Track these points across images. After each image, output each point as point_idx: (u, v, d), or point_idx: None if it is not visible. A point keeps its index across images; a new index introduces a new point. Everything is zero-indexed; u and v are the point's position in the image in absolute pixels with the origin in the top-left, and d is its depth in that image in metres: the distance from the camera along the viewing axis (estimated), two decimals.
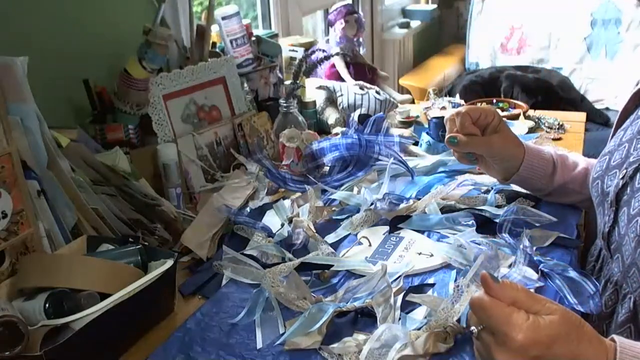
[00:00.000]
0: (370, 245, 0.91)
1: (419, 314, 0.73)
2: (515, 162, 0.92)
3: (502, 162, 0.92)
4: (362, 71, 1.97)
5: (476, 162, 0.94)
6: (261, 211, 1.05)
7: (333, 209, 1.03)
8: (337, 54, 1.79)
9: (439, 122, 1.32)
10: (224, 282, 0.86)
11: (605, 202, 0.80)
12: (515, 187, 1.03)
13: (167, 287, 0.79)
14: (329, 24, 2.07)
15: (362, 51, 2.08)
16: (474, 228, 0.90)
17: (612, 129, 0.90)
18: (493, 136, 0.90)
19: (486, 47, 3.31)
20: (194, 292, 0.86)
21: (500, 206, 0.97)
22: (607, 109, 2.89)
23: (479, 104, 1.63)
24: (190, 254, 0.94)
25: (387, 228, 0.95)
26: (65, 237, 0.85)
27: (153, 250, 0.83)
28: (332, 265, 0.85)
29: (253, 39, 1.42)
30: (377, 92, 1.54)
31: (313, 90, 1.53)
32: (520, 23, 3.23)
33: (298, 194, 1.08)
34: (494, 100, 1.66)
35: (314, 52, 1.46)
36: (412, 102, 1.97)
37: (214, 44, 1.38)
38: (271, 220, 1.02)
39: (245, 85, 1.33)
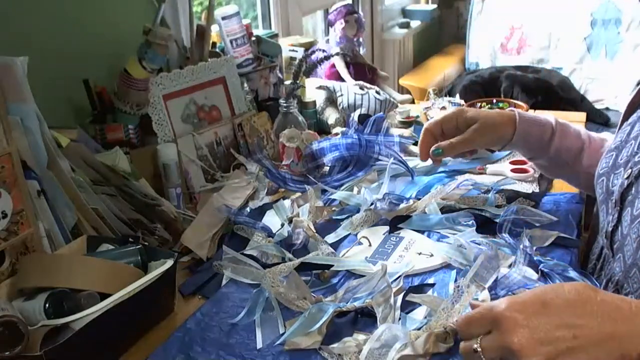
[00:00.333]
0: (370, 245, 0.91)
1: (419, 314, 0.73)
2: (507, 136, 0.93)
3: (495, 144, 0.94)
4: (362, 71, 1.97)
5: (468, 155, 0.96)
6: (261, 211, 1.05)
7: (333, 209, 1.03)
8: (337, 54, 1.79)
9: None
10: (224, 282, 0.86)
11: (610, 200, 0.80)
12: (515, 187, 1.03)
13: (167, 287, 0.79)
14: (329, 24, 2.07)
15: (362, 51, 2.07)
16: (474, 228, 0.90)
17: (619, 122, 0.89)
18: (470, 131, 0.91)
19: (486, 47, 3.31)
20: (194, 292, 0.86)
21: (500, 206, 0.97)
22: (607, 109, 2.89)
23: (478, 104, 1.64)
24: (190, 254, 0.94)
25: (387, 228, 0.95)
26: (65, 237, 0.85)
27: (153, 250, 0.83)
28: (332, 265, 0.85)
29: (253, 39, 1.42)
30: (377, 92, 1.54)
31: (313, 90, 1.53)
32: (520, 23, 3.23)
33: (298, 194, 1.08)
34: (494, 100, 1.65)
35: (314, 52, 1.45)
36: (412, 102, 1.97)
37: (214, 44, 1.38)
38: (271, 220, 1.02)
39: (245, 85, 1.33)
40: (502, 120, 0.92)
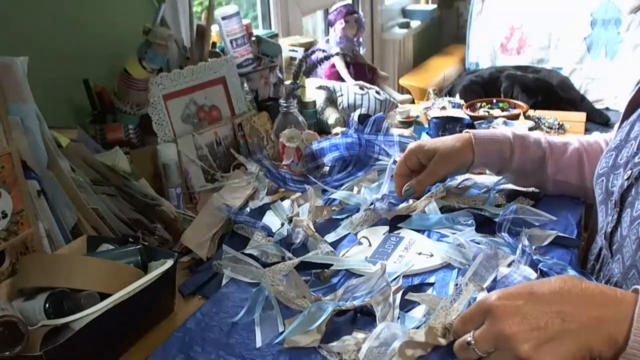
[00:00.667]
0: (370, 245, 0.91)
1: (417, 312, 0.73)
2: (467, 160, 0.96)
3: (459, 169, 0.98)
4: (362, 71, 1.97)
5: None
6: (261, 211, 1.05)
7: (333, 208, 1.04)
8: (337, 54, 1.79)
9: (439, 122, 1.32)
10: (224, 282, 0.86)
11: (609, 201, 0.80)
12: (515, 187, 1.03)
13: (167, 287, 0.79)
14: (329, 24, 2.07)
15: (362, 51, 2.08)
16: (474, 227, 0.90)
17: (619, 121, 0.89)
18: (431, 165, 0.96)
19: (486, 47, 3.31)
20: (194, 292, 0.86)
21: (500, 205, 0.97)
22: (607, 109, 2.89)
23: (478, 104, 1.64)
24: (190, 254, 0.94)
25: (387, 228, 0.95)
26: (65, 237, 0.85)
27: (153, 250, 0.83)
28: (331, 265, 0.85)
29: (253, 39, 1.42)
30: (377, 92, 1.54)
31: (313, 90, 1.53)
32: (520, 23, 3.23)
33: (298, 194, 1.08)
34: (494, 100, 1.66)
35: (314, 52, 1.46)
36: (412, 102, 1.97)
37: (214, 44, 1.38)
38: (271, 220, 1.02)
39: (245, 85, 1.33)
40: (460, 146, 0.96)
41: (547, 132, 1.45)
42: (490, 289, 0.73)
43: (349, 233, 0.96)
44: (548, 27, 3.14)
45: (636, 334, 0.53)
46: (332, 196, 1.05)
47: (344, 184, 1.10)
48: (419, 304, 0.75)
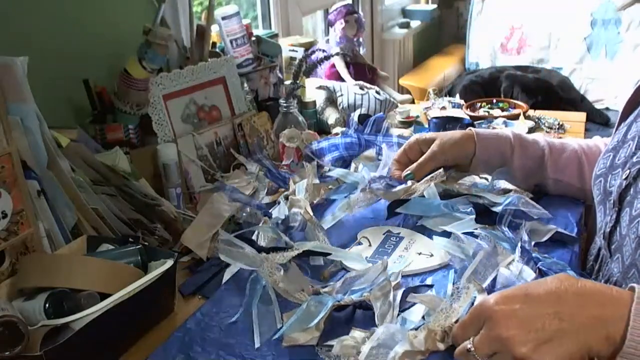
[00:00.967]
0: (370, 245, 0.91)
1: (416, 312, 0.73)
2: (470, 149, 0.98)
3: (460, 157, 0.99)
4: (362, 71, 1.97)
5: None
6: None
7: (329, 187, 1.02)
8: (337, 54, 1.79)
9: (439, 122, 1.32)
10: (224, 281, 0.86)
11: (608, 201, 0.80)
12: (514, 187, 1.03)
13: (167, 287, 0.79)
14: (329, 24, 2.07)
15: (362, 51, 2.08)
16: (473, 217, 0.89)
17: (617, 122, 0.89)
18: (432, 147, 0.97)
19: (486, 47, 3.31)
20: (194, 292, 0.85)
21: (500, 193, 0.96)
22: (607, 109, 2.89)
23: (478, 104, 1.64)
24: (190, 254, 0.94)
25: (387, 228, 0.95)
26: (65, 237, 0.85)
27: (153, 250, 0.83)
28: (328, 254, 0.84)
29: (253, 39, 1.42)
30: (377, 92, 1.54)
31: (313, 90, 1.53)
32: (520, 23, 3.23)
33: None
34: (494, 100, 1.66)
35: (314, 52, 1.46)
36: (412, 102, 1.97)
37: (214, 44, 1.38)
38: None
39: (245, 85, 1.33)
40: (461, 136, 0.99)
41: (547, 132, 1.45)
42: (489, 288, 0.73)
43: (346, 214, 0.95)
44: (548, 27, 3.14)
45: (633, 332, 0.53)
46: (329, 173, 1.04)
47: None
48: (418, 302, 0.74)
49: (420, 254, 0.87)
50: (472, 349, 0.57)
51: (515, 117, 1.51)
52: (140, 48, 1.08)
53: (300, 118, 1.30)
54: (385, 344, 0.65)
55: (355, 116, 1.36)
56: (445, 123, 1.31)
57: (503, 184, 0.99)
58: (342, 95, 1.52)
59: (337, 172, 1.04)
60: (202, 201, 1.09)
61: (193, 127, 1.19)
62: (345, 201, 0.96)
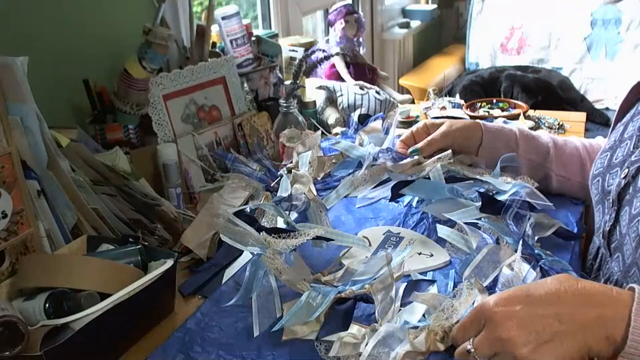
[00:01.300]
0: (370, 245, 0.91)
1: (417, 309, 0.73)
2: (477, 135, 0.99)
3: (468, 142, 0.99)
4: (362, 71, 1.97)
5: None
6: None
7: (333, 161, 1.00)
8: (337, 54, 1.79)
9: None
10: (224, 281, 0.86)
11: (606, 200, 0.80)
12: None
13: (167, 287, 0.79)
14: (329, 24, 2.07)
15: (362, 51, 2.08)
16: (478, 205, 0.88)
17: (613, 122, 0.90)
18: (442, 127, 0.99)
19: (486, 47, 3.31)
20: (194, 292, 0.85)
21: (506, 180, 0.94)
22: (607, 109, 2.89)
23: (478, 104, 1.64)
24: (190, 254, 0.94)
25: (387, 228, 0.95)
26: (65, 237, 0.85)
27: (153, 250, 0.83)
28: (331, 240, 0.83)
29: (253, 39, 1.42)
30: (377, 92, 1.54)
31: (313, 90, 1.53)
32: (520, 23, 3.23)
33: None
34: (494, 100, 1.66)
35: (314, 52, 1.45)
36: (412, 102, 1.97)
37: (214, 44, 1.38)
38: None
39: (245, 85, 1.33)
40: (470, 123, 1.01)
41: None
42: (490, 287, 0.73)
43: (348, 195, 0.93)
44: (548, 27, 3.15)
45: (634, 332, 0.53)
46: (334, 146, 1.02)
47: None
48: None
49: (420, 254, 0.87)
50: (473, 349, 0.57)
51: (515, 117, 1.51)
52: (140, 48, 1.08)
53: (300, 118, 1.29)
54: (385, 341, 0.65)
55: (355, 116, 1.36)
56: None
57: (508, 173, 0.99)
58: (342, 95, 1.52)
59: (341, 145, 1.02)
60: (202, 201, 1.09)
61: (193, 127, 1.19)
62: (349, 179, 0.94)
